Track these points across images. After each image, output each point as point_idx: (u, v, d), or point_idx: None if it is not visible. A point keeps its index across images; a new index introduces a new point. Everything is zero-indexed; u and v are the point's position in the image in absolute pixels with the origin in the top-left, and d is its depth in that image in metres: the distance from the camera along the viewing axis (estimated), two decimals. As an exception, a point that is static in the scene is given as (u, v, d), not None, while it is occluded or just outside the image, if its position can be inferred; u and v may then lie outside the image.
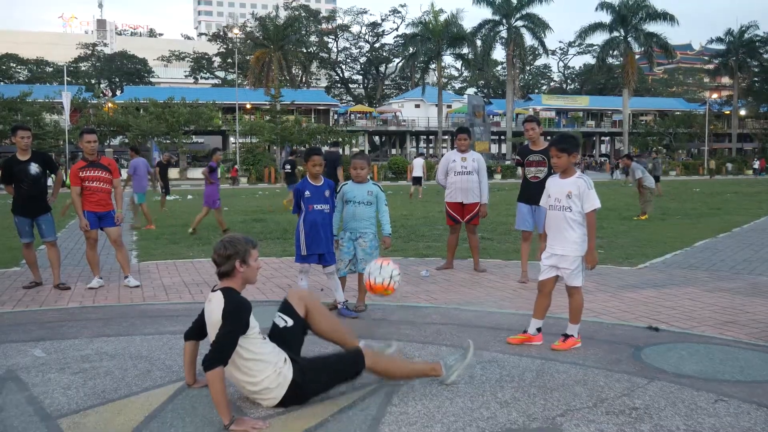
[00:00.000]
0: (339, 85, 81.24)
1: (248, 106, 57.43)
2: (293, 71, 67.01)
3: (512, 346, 4.88)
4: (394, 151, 69.22)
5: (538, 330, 4.95)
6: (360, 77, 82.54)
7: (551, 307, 5.06)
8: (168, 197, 19.64)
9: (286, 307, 4.01)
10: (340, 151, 23.74)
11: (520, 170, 8.04)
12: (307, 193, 5.88)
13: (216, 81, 78.90)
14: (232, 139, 55.18)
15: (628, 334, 5.22)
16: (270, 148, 51.98)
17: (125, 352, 4.82)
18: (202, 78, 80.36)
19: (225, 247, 3.66)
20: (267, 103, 52.51)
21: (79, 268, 8.73)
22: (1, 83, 65.61)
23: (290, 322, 3.92)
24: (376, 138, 71.51)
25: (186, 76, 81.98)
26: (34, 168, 7.42)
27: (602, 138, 74.56)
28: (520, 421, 3.46)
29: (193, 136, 56.27)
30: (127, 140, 52.93)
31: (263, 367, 3.62)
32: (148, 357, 4.68)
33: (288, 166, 19.06)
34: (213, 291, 3.69)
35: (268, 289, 7.29)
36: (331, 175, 15.81)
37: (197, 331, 3.89)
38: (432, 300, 6.66)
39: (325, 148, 32.36)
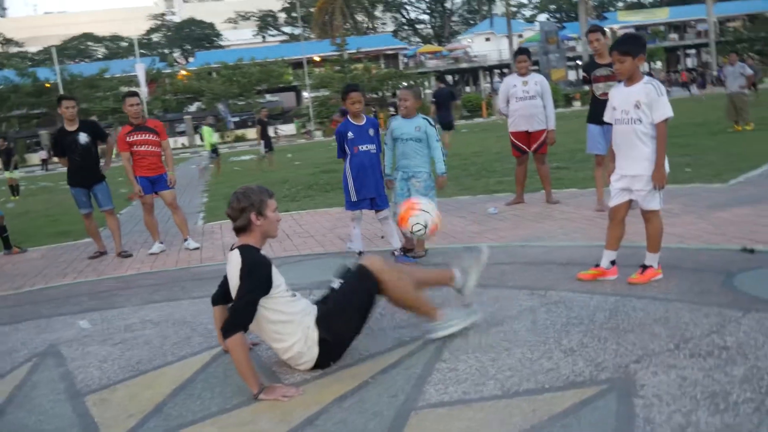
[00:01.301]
0: (406, 27, 79.42)
1: (317, 59, 56.99)
2: (358, 18, 65.95)
3: (583, 283, 4.35)
4: (468, 89, 67.44)
5: (612, 263, 4.39)
6: (426, 17, 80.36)
7: (629, 235, 4.48)
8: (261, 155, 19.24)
9: (346, 271, 3.60)
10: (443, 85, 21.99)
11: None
12: (350, 134, 5.44)
13: (284, 37, 78.71)
14: (305, 94, 55.12)
15: (718, 260, 4.58)
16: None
17: (169, 318, 4.61)
18: (269, 36, 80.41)
19: (238, 200, 3.29)
20: (334, 53, 51.98)
21: (145, 235, 8.68)
22: (82, 62, 67.81)
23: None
24: (449, 77, 69.74)
25: (254, 36, 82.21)
26: (83, 138, 7.30)
27: (687, 51, 69.88)
28: (587, 371, 2.97)
29: (267, 95, 56.61)
30: (204, 106, 54.03)
31: (292, 329, 3.27)
32: (191, 322, 4.44)
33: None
34: (231, 250, 3.35)
35: (328, 241, 6.96)
36: (448, 112, 14.79)
37: (223, 295, 3.55)
38: (499, 238, 6.16)
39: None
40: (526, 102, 7.60)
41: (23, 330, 4.70)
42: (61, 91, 46.33)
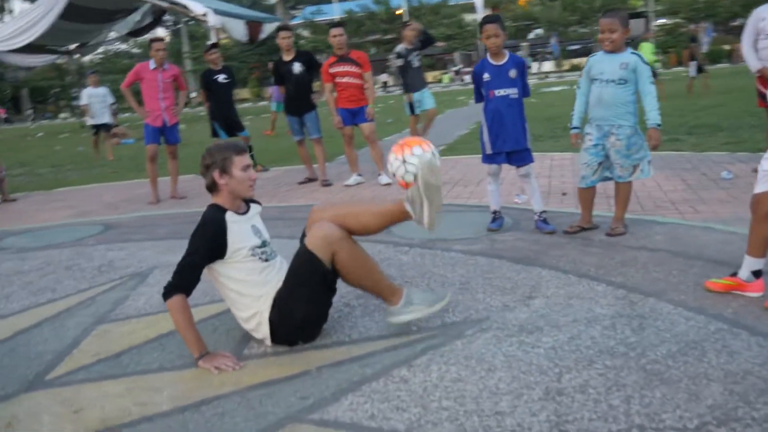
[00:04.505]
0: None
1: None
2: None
3: (707, 295, 3.17)
4: None
5: (756, 274, 3.11)
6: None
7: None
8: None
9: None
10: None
11: None
12: (485, 75, 4.62)
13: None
14: (663, 20, 50.39)
15: None
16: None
17: (264, 257, 4.57)
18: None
19: (203, 157, 3.04)
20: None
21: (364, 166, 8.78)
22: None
23: None
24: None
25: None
26: (297, 67, 7.54)
27: None
28: (535, 430, 2.13)
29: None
30: (542, 33, 52.91)
31: (249, 302, 2.96)
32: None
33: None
34: None
35: (506, 191, 6.20)
36: None
37: None
38: (693, 212, 4.85)
39: None
40: None
41: (158, 248, 5.09)
42: (407, 18, 49.31)
